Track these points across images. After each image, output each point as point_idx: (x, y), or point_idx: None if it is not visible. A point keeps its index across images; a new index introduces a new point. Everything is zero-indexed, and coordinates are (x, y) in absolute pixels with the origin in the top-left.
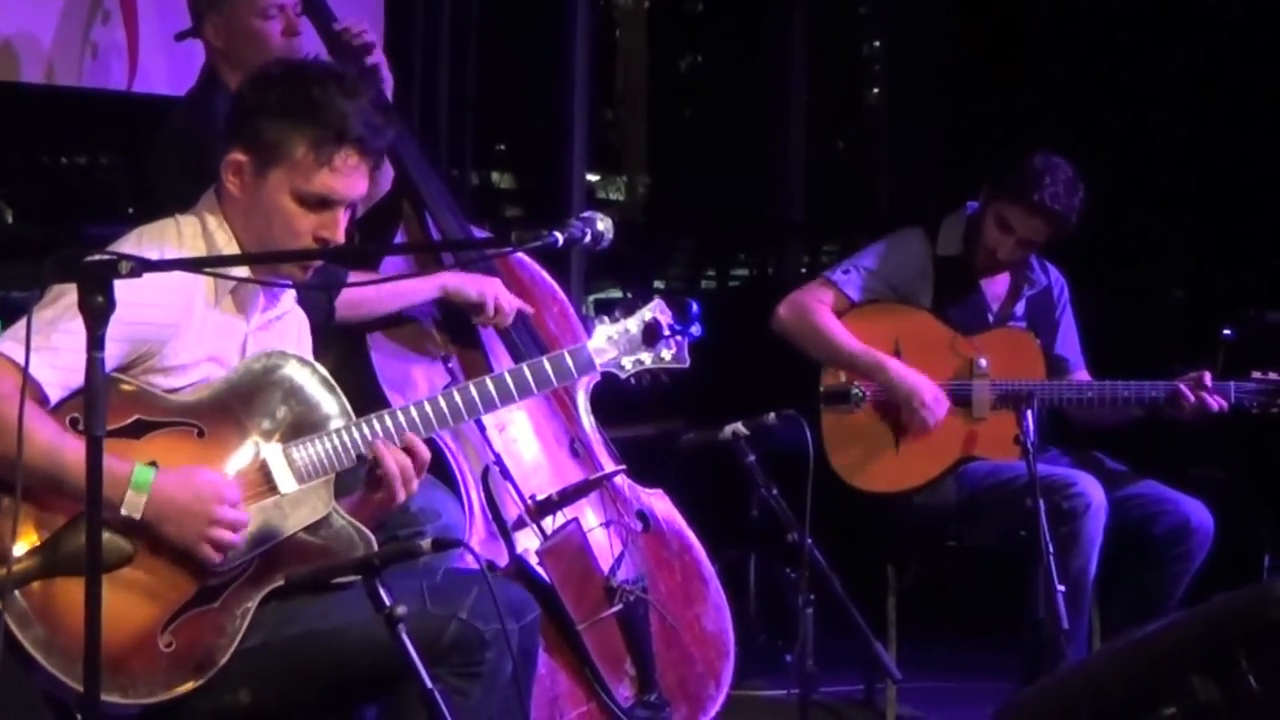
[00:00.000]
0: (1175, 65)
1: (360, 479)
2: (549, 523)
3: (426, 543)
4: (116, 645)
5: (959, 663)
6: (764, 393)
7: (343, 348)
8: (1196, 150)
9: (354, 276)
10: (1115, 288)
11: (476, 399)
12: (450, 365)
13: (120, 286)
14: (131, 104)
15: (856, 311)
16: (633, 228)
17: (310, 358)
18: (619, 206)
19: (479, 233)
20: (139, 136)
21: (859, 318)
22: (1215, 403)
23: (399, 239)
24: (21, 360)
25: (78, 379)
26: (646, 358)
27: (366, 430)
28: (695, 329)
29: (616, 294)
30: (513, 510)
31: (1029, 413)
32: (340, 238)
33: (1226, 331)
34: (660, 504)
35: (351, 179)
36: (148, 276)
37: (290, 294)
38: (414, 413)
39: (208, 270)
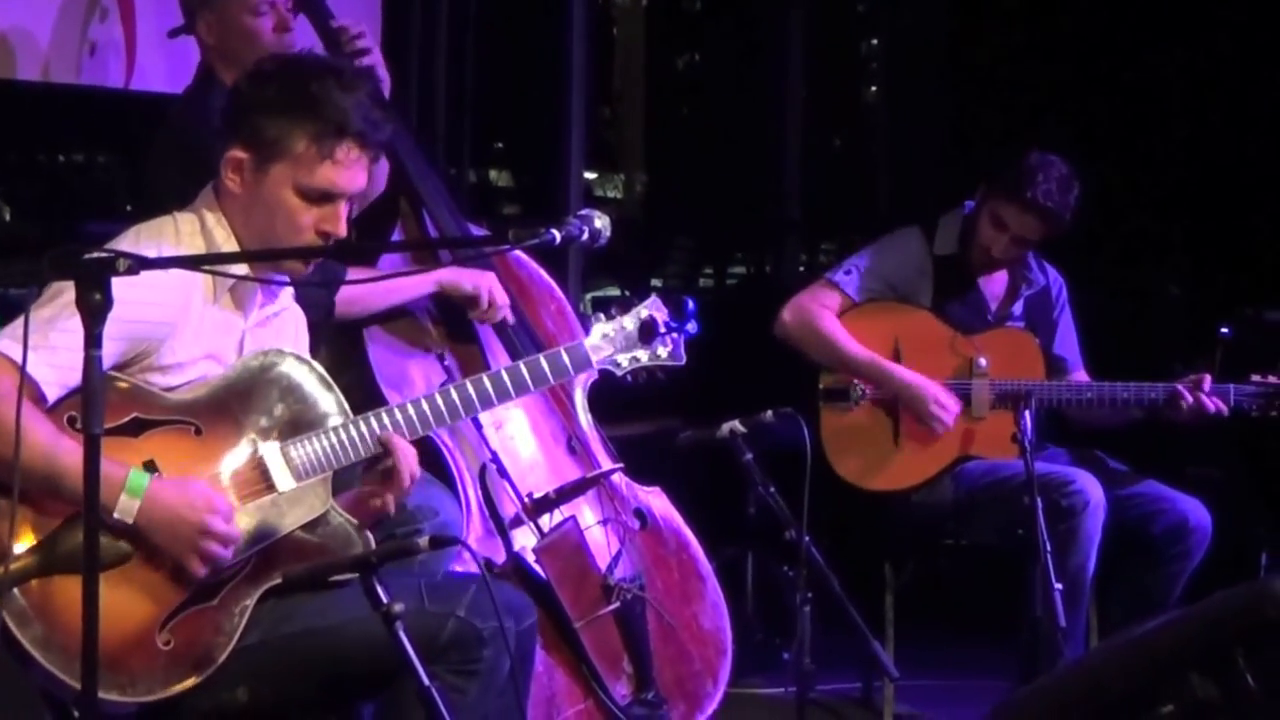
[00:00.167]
0: (1174, 64)
1: (358, 478)
2: (546, 521)
3: (424, 540)
4: (115, 643)
5: (956, 661)
6: (762, 391)
7: (340, 345)
8: (1195, 149)
9: (351, 273)
10: (1113, 286)
11: (474, 397)
12: (447, 363)
13: (118, 284)
14: (129, 102)
15: (856, 311)
16: (630, 226)
17: (307, 355)
18: (617, 204)
19: (476, 230)
20: (136, 134)
21: (859, 317)
22: (1214, 405)
23: (396, 237)
24: (19, 359)
25: (76, 377)
26: (643, 355)
27: (364, 428)
28: (691, 326)
29: (614, 292)
30: (510, 508)
31: (1027, 412)
32: (343, 231)
33: (1225, 330)
34: (658, 502)
35: (353, 171)
36: (146, 274)
37: (288, 291)
38: (411, 410)
39: (206, 268)
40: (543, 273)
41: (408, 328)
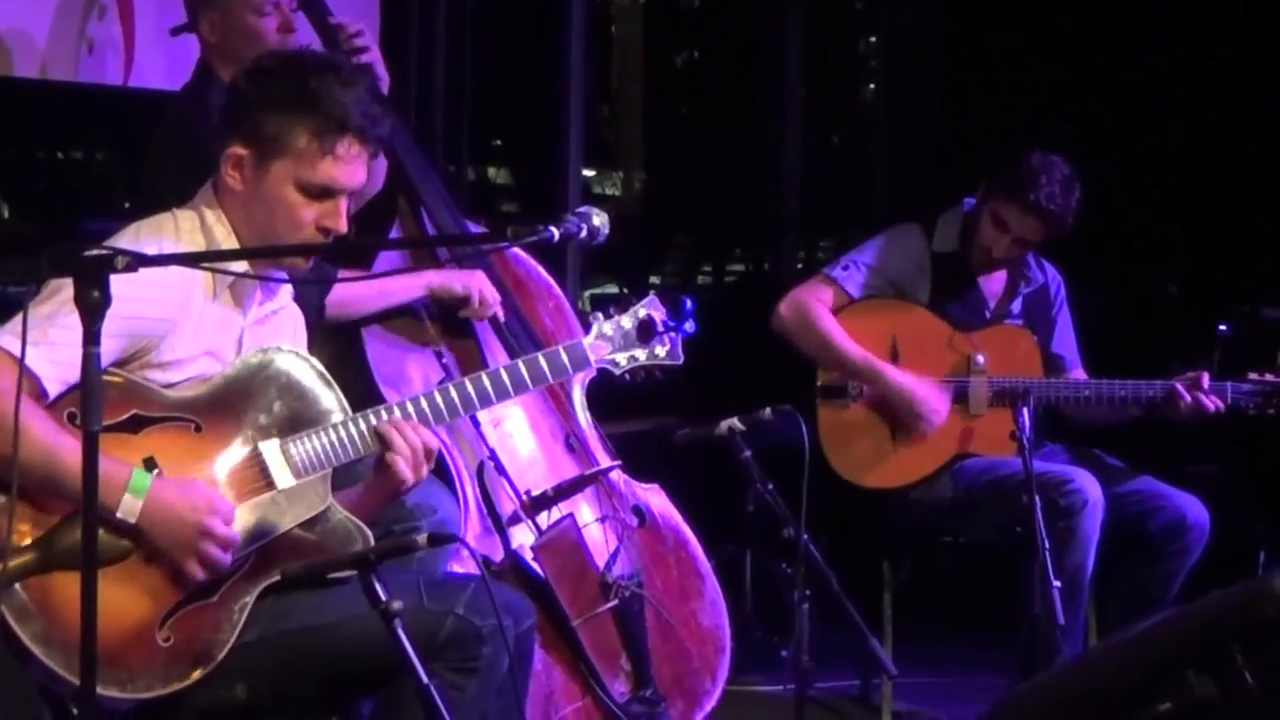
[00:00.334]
0: (1172, 63)
1: (357, 475)
2: (544, 518)
3: (422, 538)
4: (115, 639)
5: (955, 658)
6: (760, 388)
7: (338, 342)
8: (1193, 148)
9: (343, 273)
10: (1112, 285)
11: (472, 395)
12: (445, 360)
13: (118, 281)
14: (127, 99)
15: (854, 308)
16: (629, 223)
17: (306, 353)
18: (615, 202)
19: (475, 228)
20: (135, 132)
21: (857, 314)
22: (1212, 403)
23: (395, 235)
24: (18, 355)
25: (75, 373)
26: (641, 354)
27: (363, 425)
28: (689, 325)
29: (613, 289)
30: (508, 505)
31: (1025, 410)
32: (343, 226)
33: (1223, 328)
34: (656, 499)
35: (353, 167)
36: (145, 271)
37: (286, 290)
38: (410, 408)
39: (207, 266)
40: (541, 270)
41: (405, 325)
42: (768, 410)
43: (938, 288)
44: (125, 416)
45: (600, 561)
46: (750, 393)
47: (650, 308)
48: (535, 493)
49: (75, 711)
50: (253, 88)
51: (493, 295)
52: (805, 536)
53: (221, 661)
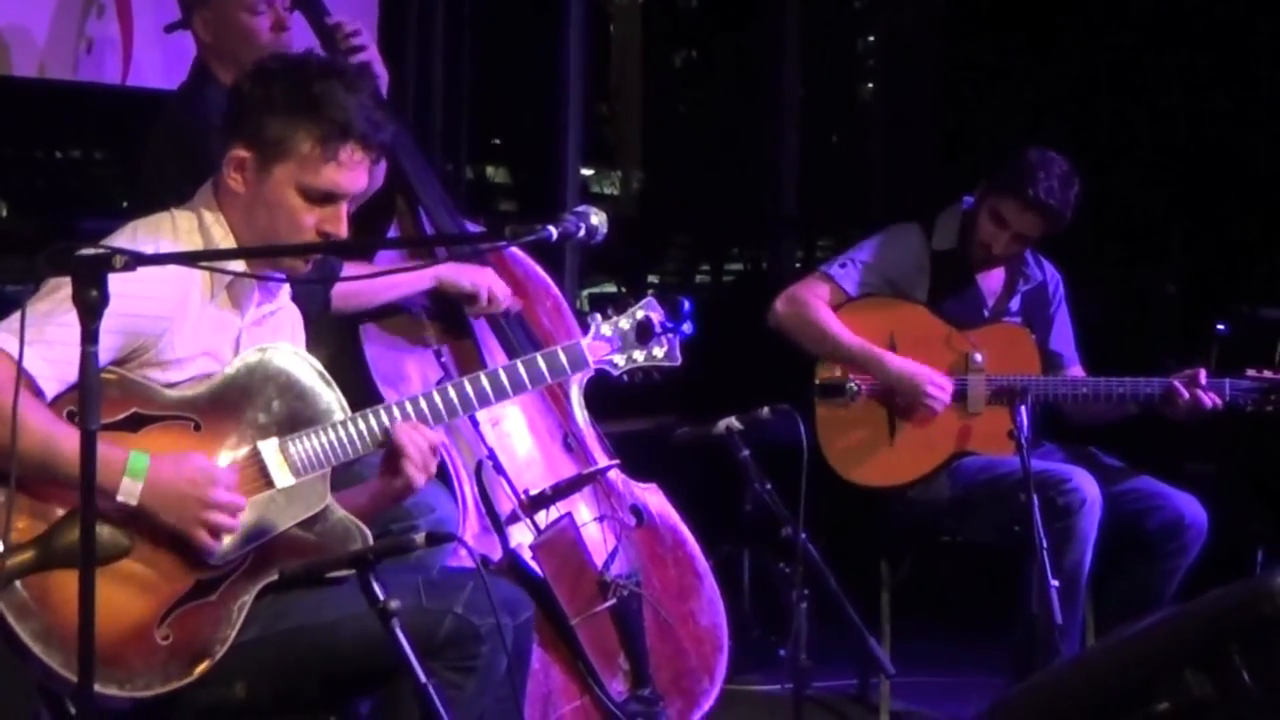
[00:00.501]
0: (1169, 62)
1: (356, 474)
2: (542, 517)
3: (420, 537)
4: (114, 638)
5: (953, 657)
6: (758, 387)
7: (336, 341)
8: (1191, 146)
9: (348, 268)
10: (1109, 283)
11: (471, 395)
12: (443, 360)
13: (116, 280)
14: (125, 98)
15: (852, 306)
16: (627, 222)
17: (305, 352)
18: (613, 201)
19: (473, 227)
20: (133, 131)
21: (854, 312)
22: (1209, 400)
23: (392, 234)
24: (14, 352)
25: (72, 371)
26: (639, 355)
27: (363, 424)
28: (687, 327)
29: (611, 289)
30: (506, 505)
31: (1023, 408)
32: (343, 232)
33: (1220, 327)
34: (654, 499)
35: (355, 173)
36: (143, 269)
37: (285, 290)
38: (409, 408)
39: (205, 265)
40: (539, 270)
41: (404, 325)
42: (765, 409)
43: (936, 286)
44: (125, 415)
45: (598, 561)
46: (748, 392)
47: (648, 309)
48: (533, 492)
49: (74, 710)
50: (256, 90)
51: (503, 290)
52: (803, 536)
53: (220, 660)
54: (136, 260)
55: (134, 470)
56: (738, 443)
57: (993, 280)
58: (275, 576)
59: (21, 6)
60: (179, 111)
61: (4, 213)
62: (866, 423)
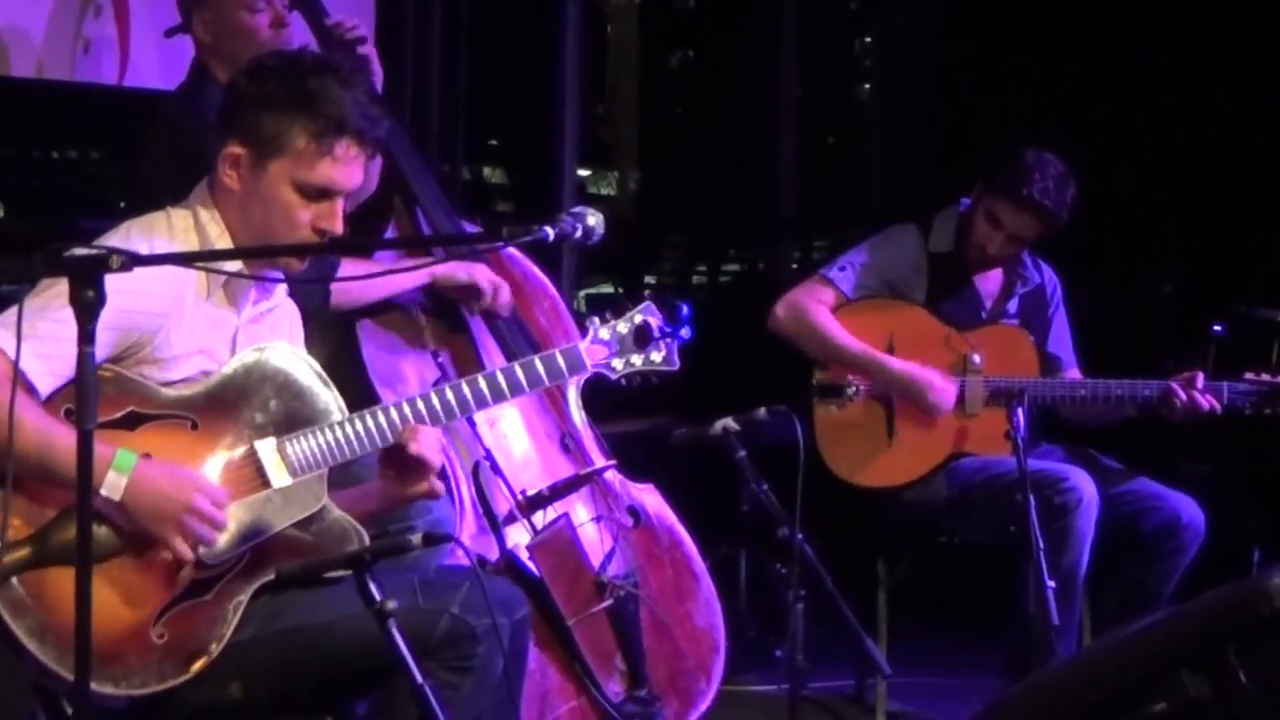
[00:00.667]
0: (1166, 62)
1: (353, 475)
2: (539, 518)
3: (417, 537)
4: (109, 636)
5: (949, 658)
6: (755, 388)
7: (334, 342)
8: (1188, 147)
9: (345, 266)
10: (1105, 283)
11: (468, 396)
12: (441, 360)
13: (110, 278)
14: (123, 99)
15: (851, 308)
16: (624, 223)
17: (303, 351)
18: (610, 202)
19: (470, 228)
20: (130, 131)
21: (853, 314)
22: (1207, 403)
23: (390, 234)
24: (10, 349)
25: (65, 368)
26: (637, 359)
27: (360, 425)
28: (685, 331)
29: (607, 289)
30: (503, 505)
31: (1020, 409)
32: (339, 228)
33: (1217, 328)
34: (651, 499)
35: (351, 168)
36: (138, 268)
37: (282, 287)
38: (406, 409)
39: (201, 266)
40: (536, 270)
41: (401, 325)
42: (763, 410)
43: (934, 288)
44: (122, 413)
45: (595, 561)
46: (745, 393)
47: (647, 313)
48: (531, 492)
49: (69, 708)
50: (251, 87)
51: (500, 284)
52: (800, 536)
53: (216, 660)
54: (134, 261)
55: (120, 466)
56: (735, 443)
57: (990, 282)
58: (272, 576)
59: (19, 7)
60: (177, 112)
61: (1, 213)
62: (864, 423)
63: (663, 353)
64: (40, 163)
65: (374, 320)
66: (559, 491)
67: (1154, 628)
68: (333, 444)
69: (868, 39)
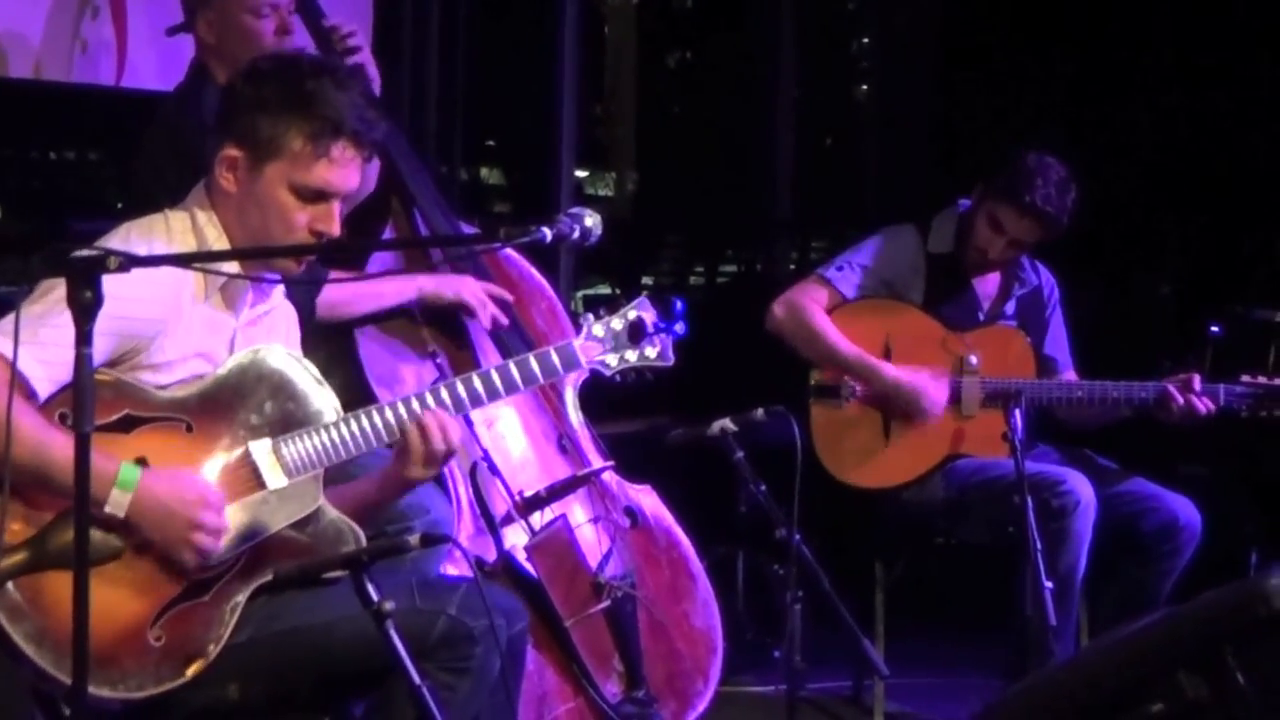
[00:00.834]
0: (1165, 64)
1: (350, 476)
2: (537, 519)
3: (414, 538)
4: (106, 639)
5: (947, 659)
6: (752, 388)
7: (331, 342)
8: (1186, 148)
9: (335, 274)
10: (1103, 284)
11: (464, 395)
12: (438, 361)
13: (109, 281)
14: (120, 99)
15: (848, 308)
16: (621, 224)
17: (298, 352)
18: (608, 202)
19: (468, 229)
20: (127, 132)
21: (850, 314)
22: (1203, 405)
23: (388, 235)
24: (8, 355)
25: (66, 374)
26: (632, 356)
27: (355, 426)
28: (680, 327)
29: (605, 290)
30: (501, 506)
31: (1017, 410)
32: (336, 230)
33: (1214, 329)
34: (648, 500)
35: (348, 170)
36: (136, 271)
37: (279, 289)
38: (402, 409)
39: (198, 266)
40: (533, 271)
41: (399, 326)
42: (760, 411)
43: (932, 289)
44: (117, 416)
45: (593, 562)
46: (742, 393)
47: (641, 309)
48: (528, 493)
49: (67, 711)
50: (247, 89)
51: (488, 295)
52: (797, 537)
53: (213, 661)
54: (131, 261)
55: (124, 482)
56: (732, 444)
57: (988, 284)
58: (269, 577)
59: (17, 8)
60: (176, 112)
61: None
62: (861, 424)
63: (657, 348)
64: (37, 163)
65: (371, 322)
66: (556, 492)
67: (1151, 629)
68: (328, 445)
69: (865, 40)
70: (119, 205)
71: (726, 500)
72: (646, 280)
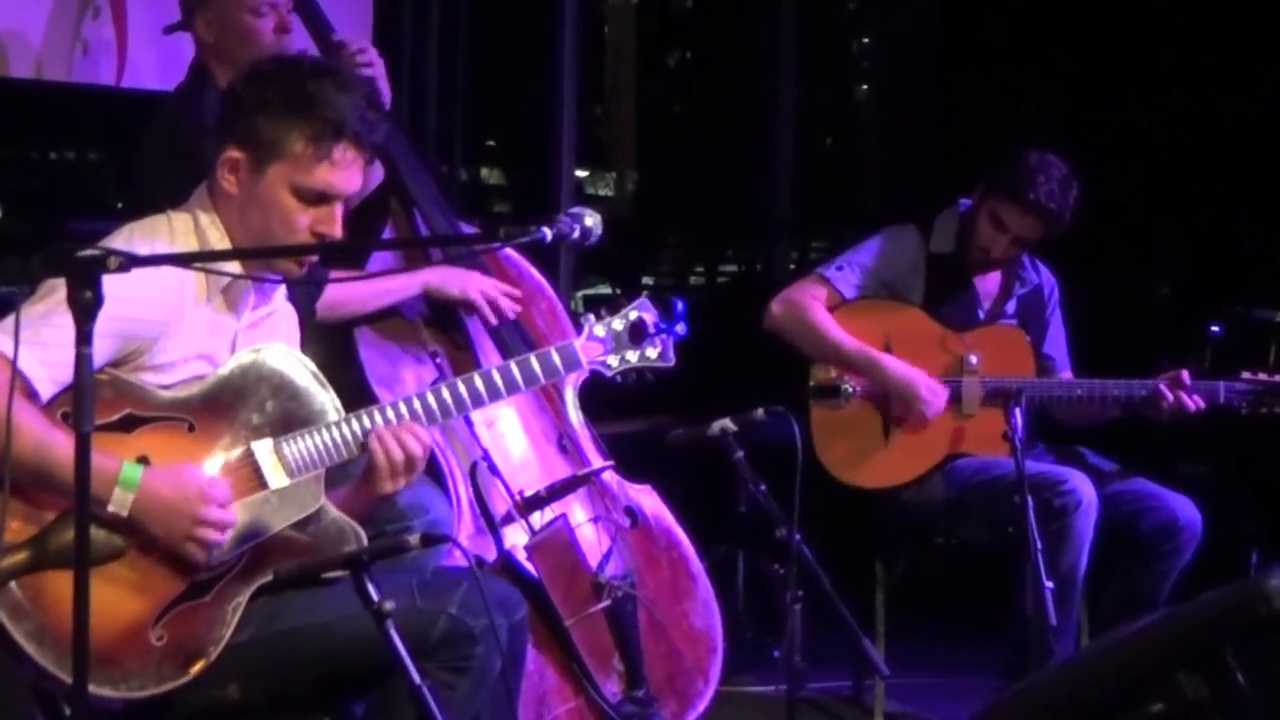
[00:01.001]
0: (1164, 63)
1: (350, 476)
2: (537, 518)
3: (415, 538)
4: (108, 639)
5: (947, 659)
6: (752, 389)
7: (331, 343)
8: (1186, 148)
9: (336, 274)
10: (1103, 283)
11: (465, 396)
12: (438, 361)
13: (111, 282)
14: (120, 100)
15: (848, 308)
16: (621, 224)
17: (299, 351)
18: (608, 202)
19: (468, 228)
20: (128, 132)
21: (850, 314)
22: (1193, 403)
23: (387, 235)
24: (10, 354)
25: (68, 374)
26: (632, 356)
27: (356, 426)
28: (680, 327)
29: (605, 290)
30: (501, 506)
31: (1017, 410)
32: (338, 232)
33: (1214, 328)
34: (648, 500)
35: (349, 172)
36: (139, 272)
37: (281, 291)
38: (403, 409)
39: (198, 266)
40: (534, 271)
41: (399, 326)
42: (760, 411)
43: (932, 288)
44: (119, 416)
45: (593, 562)
46: (742, 393)
47: (641, 310)
48: (528, 493)
49: (68, 711)
50: (249, 91)
51: (498, 291)
52: (797, 537)
53: (214, 661)
54: (131, 261)
55: (126, 481)
56: (732, 444)
57: (989, 283)
58: (270, 577)
59: (17, 8)
60: (176, 113)
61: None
62: (861, 424)
63: (658, 349)
64: (38, 163)
65: (371, 322)
66: (556, 492)
67: (1152, 629)
68: (329, 444)
69: (865, 40)
70: (119, 205)
71: (726, 500)
72: (647, 280)
